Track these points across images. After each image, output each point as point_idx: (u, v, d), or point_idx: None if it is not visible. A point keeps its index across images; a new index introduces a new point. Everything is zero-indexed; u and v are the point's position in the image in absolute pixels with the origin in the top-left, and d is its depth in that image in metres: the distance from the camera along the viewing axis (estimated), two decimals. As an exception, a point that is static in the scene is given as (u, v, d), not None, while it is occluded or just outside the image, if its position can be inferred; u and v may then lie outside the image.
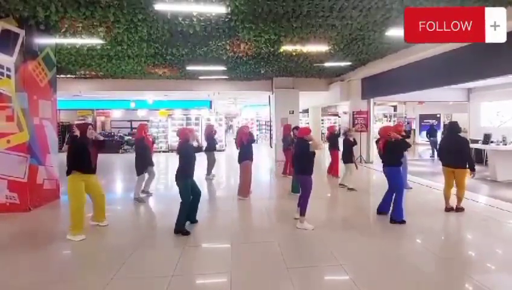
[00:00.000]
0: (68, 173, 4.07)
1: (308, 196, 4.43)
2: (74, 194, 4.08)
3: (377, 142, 5.02)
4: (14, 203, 5.28)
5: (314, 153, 4.43)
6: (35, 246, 3.87)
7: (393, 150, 4.71)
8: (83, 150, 4.09)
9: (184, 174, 4.26)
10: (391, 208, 4.74)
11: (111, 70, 9.68)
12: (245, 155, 6.10)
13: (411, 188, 6.78)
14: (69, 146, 4.32)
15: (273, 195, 6.83)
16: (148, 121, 14.81)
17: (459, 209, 5.08)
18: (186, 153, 4.33)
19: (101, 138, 4.51)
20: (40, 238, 4.16)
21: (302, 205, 4.43)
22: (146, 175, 6.18)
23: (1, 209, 5.16)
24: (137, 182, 6.05)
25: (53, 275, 3.19)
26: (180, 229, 4.19)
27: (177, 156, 4.35)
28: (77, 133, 4.13)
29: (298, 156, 4.59)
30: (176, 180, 4.28)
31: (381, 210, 4.94)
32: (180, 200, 4.26)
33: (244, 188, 6.12)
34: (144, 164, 6.04)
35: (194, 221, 4.60)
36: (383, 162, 4.86)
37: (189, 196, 4.33)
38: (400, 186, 4.71)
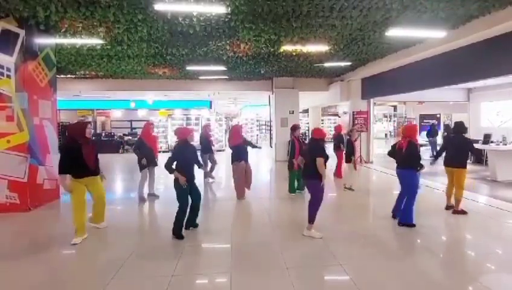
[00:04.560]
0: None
1: (319, 205, 4.10)
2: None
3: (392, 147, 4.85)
4: (14, 203, 5.28)
5: (328, 157, 4.04)
6: (35, 246, 3.87)
7: (415, 152, 4.51)
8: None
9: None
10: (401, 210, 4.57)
11: (111, 70, 9.68)
12: (235, 156, 6.01)
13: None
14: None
15: (272, 195, 6.83)
16: (148, 121, 14.79)
17: (457, 211, 4.99)
18: (180, 154, 4.11)
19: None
20: (39, 239, 4.15)
21: (311, 213, 4.09)
22: (147, 173, 6.17)
23: (1, 209, 5.17)
24: (140, 180, 6.10)
25: (53, 275, 3.19)
26: (178, 234, 4.06)
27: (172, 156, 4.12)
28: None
29: (311, 159, 4.04)
30: (173, 183, 4.09)
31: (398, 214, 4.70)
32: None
33: (237, 190, 6.10)
34: (140, 162, 5.95)
35: (195, 225, 4.42)
36: (398, 163, 4.66)
37: (186, 200, 4.13)
38: (413, 189, 4.49)
